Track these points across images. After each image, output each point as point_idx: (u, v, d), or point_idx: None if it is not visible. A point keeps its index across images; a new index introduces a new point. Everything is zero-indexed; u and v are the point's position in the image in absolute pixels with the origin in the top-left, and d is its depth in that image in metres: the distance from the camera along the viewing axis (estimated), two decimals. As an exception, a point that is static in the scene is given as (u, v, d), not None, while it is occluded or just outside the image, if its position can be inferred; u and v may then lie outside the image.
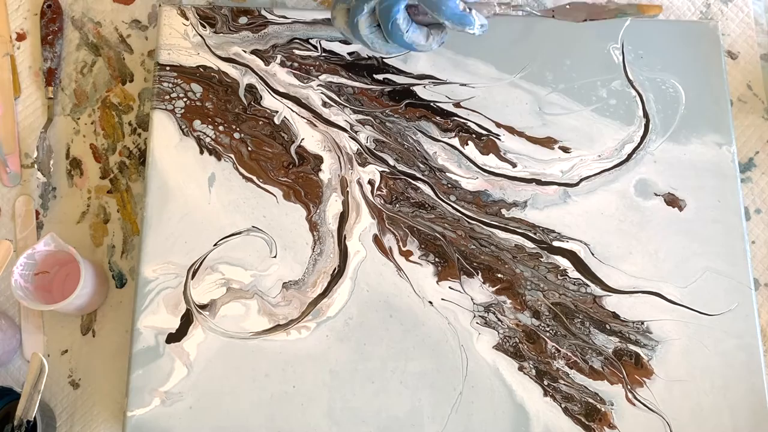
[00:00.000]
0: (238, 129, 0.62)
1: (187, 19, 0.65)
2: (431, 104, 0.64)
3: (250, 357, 0.56)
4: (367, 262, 0.59)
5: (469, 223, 0.61)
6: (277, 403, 0.56)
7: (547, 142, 0.63)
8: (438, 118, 0.63)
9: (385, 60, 0.65)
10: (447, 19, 0.50)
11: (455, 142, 0.63)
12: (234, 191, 0.60)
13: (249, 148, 0.62)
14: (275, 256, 0.59)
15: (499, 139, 0.63)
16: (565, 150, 0.63)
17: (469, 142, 0.63)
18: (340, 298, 0.58)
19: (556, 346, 0.58)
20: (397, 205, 0.61)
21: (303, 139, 0.62)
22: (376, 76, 0.64)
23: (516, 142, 0.63)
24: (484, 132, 0.63)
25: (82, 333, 0.63)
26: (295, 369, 0.56)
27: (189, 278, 0.58)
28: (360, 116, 0.63)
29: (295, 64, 0.64)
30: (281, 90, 0.63)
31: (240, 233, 0.59)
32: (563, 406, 0.56)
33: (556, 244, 0.60)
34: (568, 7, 0.57)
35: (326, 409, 0.56)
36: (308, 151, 0.62)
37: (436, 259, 0.59)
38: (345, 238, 0.59)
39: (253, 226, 0.60)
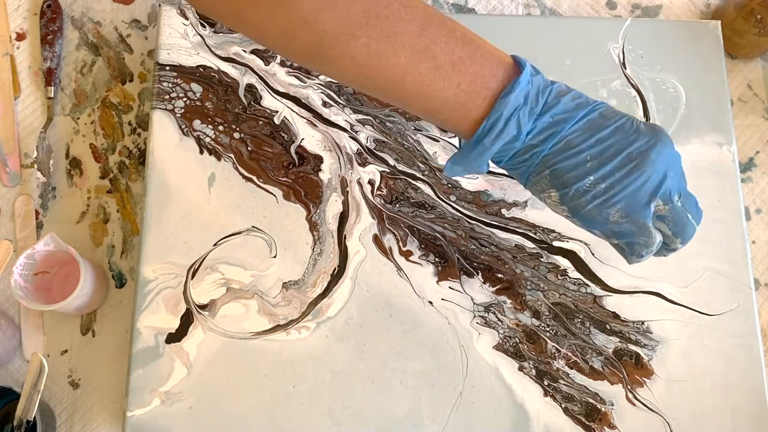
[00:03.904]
0: (238, 129, 0.62)
1: (186, 18, 0.65)
2: (431, 104, 0.64)
3: (250, 357, 0.56)
4: (367, 262, 0.59)
5: (469, 223, 0.61)
6: (277, 403, 0.56)
7: (547, 142, 0.63)
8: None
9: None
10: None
11: (455, 141, 0.63)
12: (234, 191, 0.60)
13: (249, 148, 0.62)
14: (275, 256, 0.59)
15: (499, 139, 0.63)
16: (565, 150, 0.63)
17: (469, 142, 0.63)
18: (340, 298, 0.58)
19: (556, 346, 0.58)
20: (397, 205, 0.61)
21: (303, 139, 0.62)
22: (376, 76, 0.64)
23: (516, 142, 0.63)
24: (484, 132, 0.63)
25: (82, 333, 0.63)
26: (295, 369, 0.56)
27: (189, 278, 0.58)
28: (360, 116, 0.63)
29: (295, 64, 0.64)
30: (281, 90, 0.63)
31: (240, 233, 0.59)
32: (563, 406, 0.56)
33: (556, 244, 0.60)
34: None
35: (326, 409, 0.56)
36: (308, 151, 0.62)
37: (436, 259, 0.59)
38: (345, 238, 0.59)
39: (253, 226, 0.60)
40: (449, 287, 0.59)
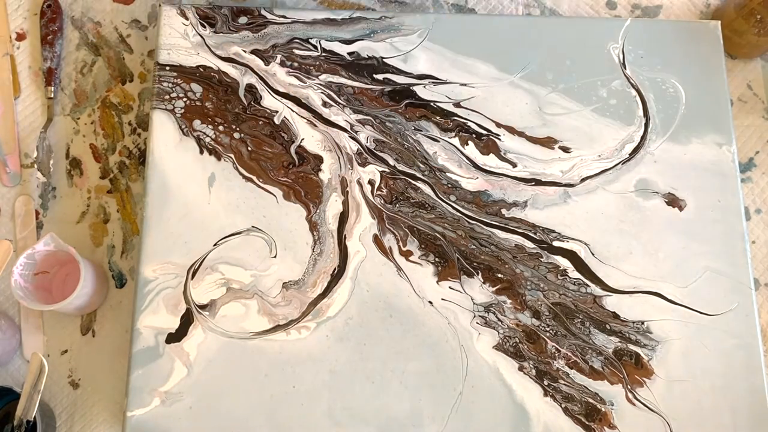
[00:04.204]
0: (238, 129, 0.62)
1: (187, 18, 0.65)
2: (431, 104, 0.64)
3: (250, 357, 0.56)
4: (367, 262, 0.59)
5: (469, 223, 0.61)
6: (277, 403, 0.56)
7: (547, 142, 0.63)
8: (438, 118, 0.63)
9: (385, 60, 0.65)
10: None
11: (455, 142, 0.63)
12: (234, 191, 0.60)
13: (249, 148, 0.62)
14: (275, 256, 0.59)
15: (499, 139, 0.63)
16: (565, 150, 0.63)
17: (469, 142, 0.63)
18: (340, 298, 0.58)
19: (556, 346, 0.58)
20: (397, 205, 0.61)
21: (303, 139, 0.62)
22: (376, 76, 0.64)
23: (516, 142, 0.63)
24: (484, 132, 0.63)
25: (82, 333, 0.63)
26: (295, 369, 0.56)
27: (189, 278, 0.58)
28: (360, 116, 0.63)
29: (295, 64, 0.64)
30: (281, 90, 0.63)
31: (240, 233, 0.59)
32: (563, 406, 0.56)
33: (556, 244, 0.60)
34: None
35: (326, 409, 0.56)
36: (308, 151, 0.62)
37: (436, 259, 0.59)
38: (345, 238, 0.59)
39: (253, 226, 0.60)
40: (449, 287, 0.59)
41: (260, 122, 0.62)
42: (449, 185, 0.62)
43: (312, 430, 0.55)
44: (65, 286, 0.62)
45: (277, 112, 0.63)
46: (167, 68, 0.63)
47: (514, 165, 0.62)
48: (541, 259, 0.60)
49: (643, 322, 0.59)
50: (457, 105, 0.64)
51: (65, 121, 0.68)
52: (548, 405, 0.56)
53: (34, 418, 0.54)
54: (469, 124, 0.63)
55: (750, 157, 0.70)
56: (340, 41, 0.65)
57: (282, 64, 0.64)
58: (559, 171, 0.62)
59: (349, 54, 0.65)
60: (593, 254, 0.60)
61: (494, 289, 0.59)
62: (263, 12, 0.65)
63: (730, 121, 0.64)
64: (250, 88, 0.63)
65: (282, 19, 0.65)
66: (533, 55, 0.65)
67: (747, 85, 0.72)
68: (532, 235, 0.60)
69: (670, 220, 0.61)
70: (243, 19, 0.65)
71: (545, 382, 0.57)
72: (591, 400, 0.57)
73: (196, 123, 0.62)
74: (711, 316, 0.59)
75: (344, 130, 0.63)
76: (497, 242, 0.60)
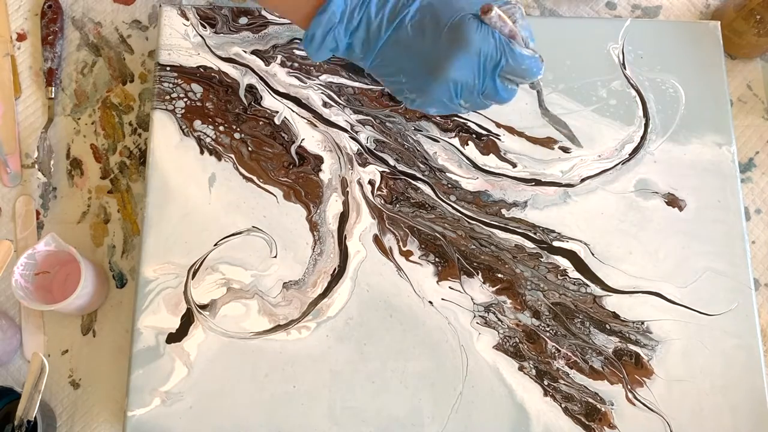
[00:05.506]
0: (238, 129, 0.62)
1: (187, 19, 0.65)
2: (431, 104, 0.64)
3: (250, 357, 0.57)
4: (368, 262, 0.59)
5: (469, 223, 0.61)
6: (277, 403, 0.56)
7: (547, 142, 0.63)
8: (438, 118, 0.63)
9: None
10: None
11: (455, 142, 0.63)
12: (234, 191, 0.60)
13: (249, 148, 0.62)
14: (275, 256, 0.59)
15: (499, 139, 0.63)
16: (565, 150, 0.63)
17: (469, 142, 0.63)
18: (340, 298, 0.58)
19: (556, 346, 0.58)
20: (398, 205, 0.61)
21: (303, 139, 0.62)
22: (376, 77, 0.64)
23: (516, 142, 0.63)
24: (484, 132, 0.63)
25: (83, 333, 0.63)
26: (295, 369, 0.56)
27: (189, 278, 0.58)
28: (360, 116, 0.63)
29: (296, 65, 0.64)
30: (281, 90, 0.63)
31: (240, 233, 0.59)
32: (563, 406, 0.56)
33: (556, 244, 0.60)
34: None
35: (326, 409, 0.56)
36: (308, 151, 0.62)
37: (436, 259, 0.59)
38: (345, 238, 0.60)
39: (254, 226, 0.60)
40: (449, 287, 0.59)
41: (261, 122, 0.62)
42: (449, 185, 0.62)
43: (312, 430, 0.55)
44: (66, 286, 0.62)
45: (277, 112, 0.63)
46: (168, 69, 0.63)
47: (514, 165, 0.62)
48: (541, 259, 0.60)
49: (643, 322, 0.59)
50: (457, 105, 0.64)
51: (66, 122, 0.68)
52: (548, 405, 0.56)
53: (35, 418, 0.54)
54: (469, 124, 0.63)
55: (750, 157, 0.70)
56: (340, 41, 0.65)
57: (282, 64, 0.64)
58: (559, 171, 0.62)
59: (350, 54, 0.65)
60: (593, 254, 0.60)
61: (494, 289, 0.59)
62: (263, 12, 0.66)
63: (729, 121, 0.64)
64: (251, 89, 0.63)
65: (282, 20, 0.65)
66: (533, 55, 0.65)
67: (747, 85, 0.72)
68: (532, 235, 0.61)
69: (670, 220, 0.61)
70: (243, 20, 0.65)
71: (545, 382, 0.57)
72: (591, 400, 0.57)
73: (197, 123, 0.62)
74: (711, 316, 0.59)
75: (344, 130, 0.63)
76: (497, 242, 0.60)
